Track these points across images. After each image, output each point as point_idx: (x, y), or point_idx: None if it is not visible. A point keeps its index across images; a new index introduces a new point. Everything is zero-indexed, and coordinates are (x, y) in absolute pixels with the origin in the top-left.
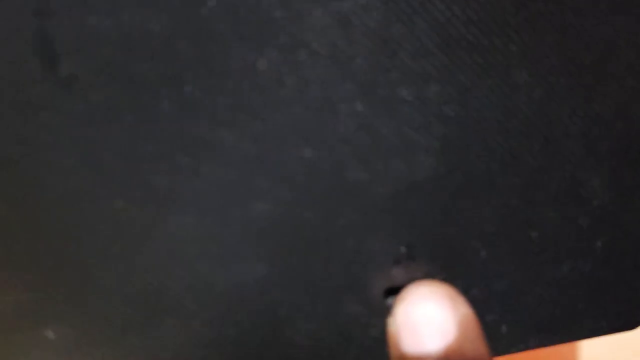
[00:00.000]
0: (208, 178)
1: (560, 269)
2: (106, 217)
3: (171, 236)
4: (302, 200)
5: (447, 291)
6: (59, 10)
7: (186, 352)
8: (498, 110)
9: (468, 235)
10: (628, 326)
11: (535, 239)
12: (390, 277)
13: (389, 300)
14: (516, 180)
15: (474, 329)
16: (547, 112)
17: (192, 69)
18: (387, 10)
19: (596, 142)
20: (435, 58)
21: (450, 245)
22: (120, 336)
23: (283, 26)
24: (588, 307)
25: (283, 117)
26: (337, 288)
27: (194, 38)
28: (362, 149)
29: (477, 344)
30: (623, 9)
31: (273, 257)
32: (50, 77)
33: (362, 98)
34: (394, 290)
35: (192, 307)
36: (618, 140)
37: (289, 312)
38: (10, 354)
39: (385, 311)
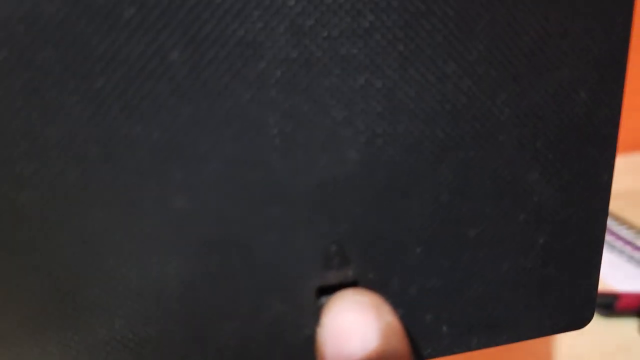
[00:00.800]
0: (122, 170)
1: (500, 266)
2: (15, 210)
3: (84, 230)
4: (222, 192)
5: (373, 300)
6: None
7: (107, 354)
8: (425, 102)
9: (401, 232)
10: (574, 325)
11: (473, 236)
12: (322, 276)
13: (322, 300)
14: (447, 175)
15: (398, 338)
16: (477, 104)
17: (102, 59)
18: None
19: (531, 135)
20: (360, 49)
21: (384, 243)
22: (39, 336)
23: (190, 15)
24: (531, 306)
25: (200, 108)
26: (261, 286)
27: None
28: (286, 139)
29: (400, 352)
30: None
31: (191, 253)
32: None
33: (286, 87)
34: (327, 290)
35: (110, 306)
36: (553, 134)
37: (210, 311)
38: None
39: (319, 311)
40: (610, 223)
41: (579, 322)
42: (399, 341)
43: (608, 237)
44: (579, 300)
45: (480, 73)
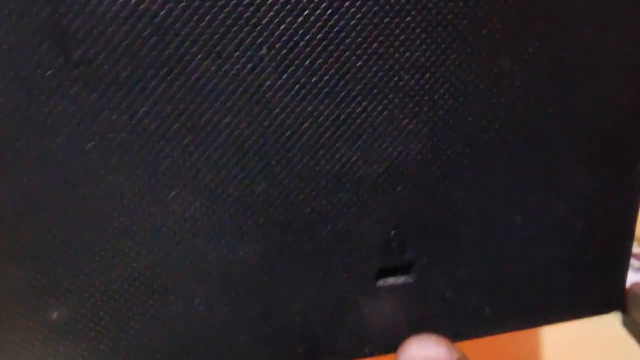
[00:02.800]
0: (209, 156)
1: (541, 252)
2: (109, 194)
3: (169, 213)
4: (297, 179)
5: (442, 340)
6: None
7: (185, 330)
8: (483, 96)
9: (453, 218)
10: (606, 309)
11: (518, 223)
12: (381, 258)
13: (380, 282)
14: (499, 166)
15: None
16: (530, 99)
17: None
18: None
19: (576, 131)
20: (426, 47)
21: (437, 228)
22: (123, 316)
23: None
24: (566, 290)
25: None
26: (326, 268)
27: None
28: (355, 130)
29: None
30: (607, 4)
31: (266, 236)
32: (62, 62)
33: (358, 81)
34: (385, 272)
35: (191, 286)
36: (597, 130)
37: (279, 290)
38: (16, 337)
39: (376, 292)
40: None
41: (609, 306)
42: None
43: None
44: (610, 286)
45: (533, 71)
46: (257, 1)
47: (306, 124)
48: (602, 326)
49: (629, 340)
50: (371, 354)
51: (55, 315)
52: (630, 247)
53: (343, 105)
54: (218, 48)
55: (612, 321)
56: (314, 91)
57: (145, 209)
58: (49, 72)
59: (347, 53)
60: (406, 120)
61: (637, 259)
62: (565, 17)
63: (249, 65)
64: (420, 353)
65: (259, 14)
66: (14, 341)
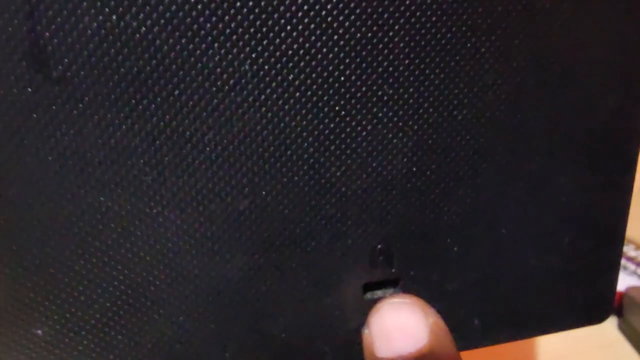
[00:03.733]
0: (192, 173)
1: (529, 263)
2: (90, 212)
3: (153, 231)
4: (281, 195)
5: (418, 301)
6: (49, 12)
7: (170, 347)
8: (468, 110)
9: (440, 232)
10: (596, 319)
11: (505, 235)
12: (368, 272)
13: (367, 296)
14: (485, 179)
15: (444, 335)
16: (516, 112)
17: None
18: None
19: (561, 141)
20: (410, 62)
21: (424, 242)
22: (106, 332)
23: None
24: (556, 301)
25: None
26: (313, 282)
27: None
28: (339, 145)
29: (448, 346)
30: (591, 10)
31: (251, 253)
32: (41, 79)
33: (341, 96)
34: (372, 286)
35: (175, 303)
36: (582, 140)
37: (264, 307)
38: (1, 354)
39: (364, 306)
40: None
41: (599, 316)
42: (447, 338)
43: None
44: (599, 296)
45: (518, 85)
46: (239, 17)
47: (289, 139)
48: (598, 330)
49: (625, 344)
50: None
51: (39, 332)
52: (619, 256)
53: (327, 120)
54: (200, 64)
55: (608, 325)
56: (297, 106)
57: (126, 227)
58: (27, 90)
59: (330, 68)
60: (390, 135)
61: (632, 262)
62: (550, 26)
63: (231, 82)
64: (393, 319)
65: (241, 30)
66: None
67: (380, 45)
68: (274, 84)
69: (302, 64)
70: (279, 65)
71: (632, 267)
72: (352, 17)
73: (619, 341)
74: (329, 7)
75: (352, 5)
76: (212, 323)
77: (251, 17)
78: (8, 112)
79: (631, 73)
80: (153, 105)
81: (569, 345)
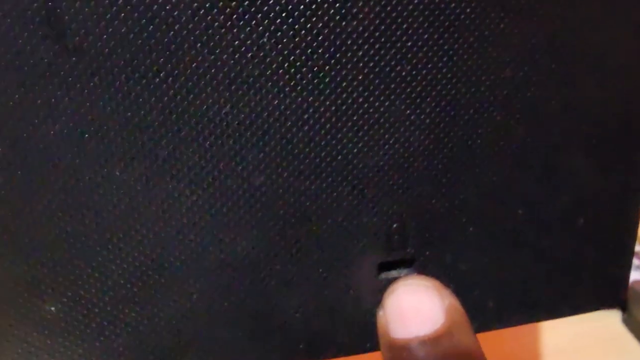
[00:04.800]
0: (207, 148)
1: (544, 245)
2: (105, 186)
3: (168, 206)
4: (297, 171)
5: (434, 283)
6: None
7: (181, 326)
8: (485, 87)
9: (456, 212)
10: (610, 304)
11: (521, 216)
12: (383, 252)
13: (382, 276)
14: (502, 159)
15: (461, 316)
16: (527, 91)
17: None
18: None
19: (578, 124)
20: (428, 38)
21: (440, 222)
22: (119, 310)
23: None
24: (569, 285)
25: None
26: (327, 261)
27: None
28: (356, 121)
29: (464, 328)
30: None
31: (266, 230)
32: (57, 51)
33: (359, 72)
34: (387, 266)
35: (187, 281)
36: (597, 123)
37: (279, 285)
38: (12, 328)
39: (378, 285)
40: None
41: (612, 301)
42: (463, 320)
43: None
44: (613, 281)
45: (536, 63)
46: None
47: (306, 116)
48: (603, 324)
49: (629, 337)
50: (372, 350)
51: (52, 309)
52: (634, 239)
53: (344, 96)
54: (217, 37)
55: (612, 319)
56: (314, 82)
57: (141, 202)
58: (44, 60)
59: (349, 43)
60: (408, 112)
61: (637, 257)
62: (566, 16)
63: (248, 56)
64: (409, 301)
65: (258, 4)
66: (9, 335)
67: (399, 20)
68: (292, 58)
69: (320, 37)
70: (297, 39)
71: (636, 261)
72: None
73: (623, 335)
74: None
75: None
76: (226, 301)
77: None
78: (25, 84)
79: None
80: (170, 78)
81: (573, 339)
